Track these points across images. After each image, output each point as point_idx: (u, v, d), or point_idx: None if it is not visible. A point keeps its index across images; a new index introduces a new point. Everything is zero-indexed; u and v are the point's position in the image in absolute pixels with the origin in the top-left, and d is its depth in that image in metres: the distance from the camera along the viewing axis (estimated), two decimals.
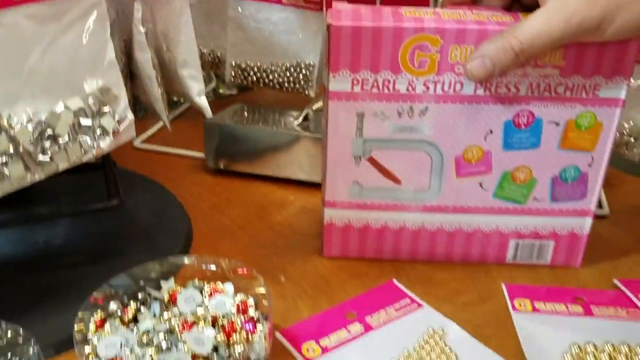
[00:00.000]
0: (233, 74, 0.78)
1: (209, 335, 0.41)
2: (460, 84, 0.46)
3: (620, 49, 0.45)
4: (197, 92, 0.50)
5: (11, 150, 0.37)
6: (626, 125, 0.64)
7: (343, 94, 0.47)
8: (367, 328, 0.48)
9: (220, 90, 0.99)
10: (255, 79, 0.77)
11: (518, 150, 0.49)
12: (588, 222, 0.52)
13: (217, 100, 0.91)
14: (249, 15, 0.74)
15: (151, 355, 0.39)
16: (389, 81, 0.46)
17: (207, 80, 0.91)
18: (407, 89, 0.46)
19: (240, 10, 0.74)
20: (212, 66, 0.81)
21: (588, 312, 0.49)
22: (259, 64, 0.76)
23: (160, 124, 0.80)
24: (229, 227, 0.61)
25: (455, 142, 0.49)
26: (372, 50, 0.45)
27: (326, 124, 0.48)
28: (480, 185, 0.50)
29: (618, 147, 0.65)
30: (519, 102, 0.47)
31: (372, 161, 0.49)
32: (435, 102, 0.47)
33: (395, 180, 0.50)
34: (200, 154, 0.72)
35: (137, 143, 0.75)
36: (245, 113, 0.72)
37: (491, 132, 0.48)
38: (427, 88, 0.46)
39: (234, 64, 0.77)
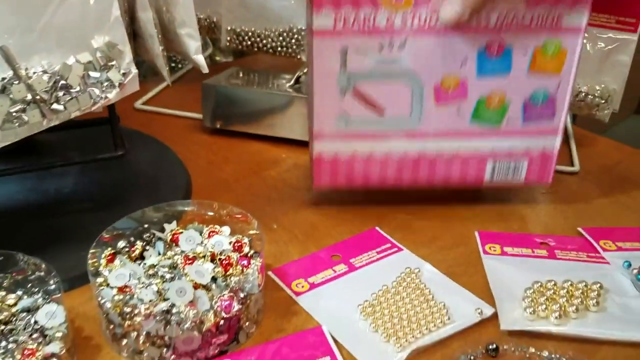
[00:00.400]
0: (228, 39, 0.81)
1: (208, 268, 0.45)
2: (435, 17, 0.50)
3: None
4: (195, 49, 0.53)
5: (29, 98, 0.41)
6: (597, 88, 0.68)
7: (327, 31, 0.51)
8: (351, 268, 0.52)
9: (217, 57, 1.02)
10: (249, 43, 0.81)
11: (491, 77, 0.53)
12: (557, 140, 0.57)
13: (213, 66, 0.95)
14: None
15: (157, 284, 0.43)
16: (369, 17, 0.50)
17: (204, 47, 0.94)
18: (387, 23, 0.50)
19: None
20: (208, 31, 0.84)
21: (552, 255, 0.54)
22: (253, 29, 0.80)
23: (159, 87, 0.84)
24: (226, 181, 0.66)
25: (433, 72, 0.53)
26: None
27: (312, 60, 0.52)
28: (458, 111, 0.54)
29: (589, 108, 0.69)
30: (490, 32, 0.51)
31: (357, 93, 0.53)
32: (412, 35, 0.51)
33: (379, 110, 0.54)
34: (197, 115, 0.76)
35: (138, 104, 0.79)
36: (241, 75, 0.76)
37: (466, 61, 0.52)
38: (405, 23, 0.50)
39: (229, 29, 0.81)
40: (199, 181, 0.65)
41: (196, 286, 0.43)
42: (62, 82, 0.42)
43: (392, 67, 0.52)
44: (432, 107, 0.54)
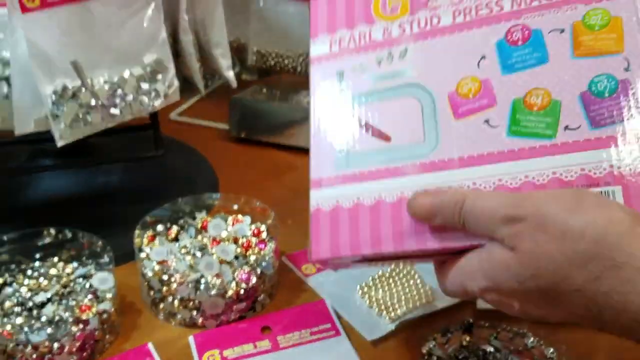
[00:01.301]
0: (255, 59, 0.91)
1: (231, 248, 0.54)
2: (437, 17, 0.43)
3: None
4: (227, 66, 0.63)
5: (92, 103, 0.51)
6: None
7: (323, 57, 0.46)
8: None
9: (243, 76, 1.12)
10: (273, 63, 0.91)
11: (522, 71, 0.40)
12: None
13: (240, 84, 1.05)
14: (269, 7, 0.88)
15: (189, 259, 0.53)
16: (364, 33, 0.45)
17: (232, 66, 1.04)
18: (384, 35, 0.44)
19: (262, 4, 0.88)
20: (236, 52, 0.94)
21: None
22: (277, 51, 0.90)
23: (192, 101, 0.94)
24: (248, 182, 0.75)
25: (444, 77, 0.42)
26: (347, 9, 0.46)
27: (310, 91, 0.47)
28: (488, 122, 0.40)
29: None
30: (507, 19, 0.41)
31: (357, 120, 0.44)
32: (413, 41, 0.43)
33: (384, 137, 0.43)
34: (225, 126, 0.86)
35: (173, 116, 0.89)
36: (264, 92, 0.86)
37: (484, 57, 0.41)
38: (403, 30, 0.44)
39: (255, 50, 0.91)
40: (225, 182, 0.74)
41: (221, 262, 0.52)
42: (120, 91, 0.52)
43: (394, 81, 0.43)
44: (451, 122, 0.41)
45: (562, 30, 0.40)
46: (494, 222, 0.35)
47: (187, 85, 0.79)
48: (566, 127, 0.39)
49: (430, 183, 0.40)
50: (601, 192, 0.37)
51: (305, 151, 0.80)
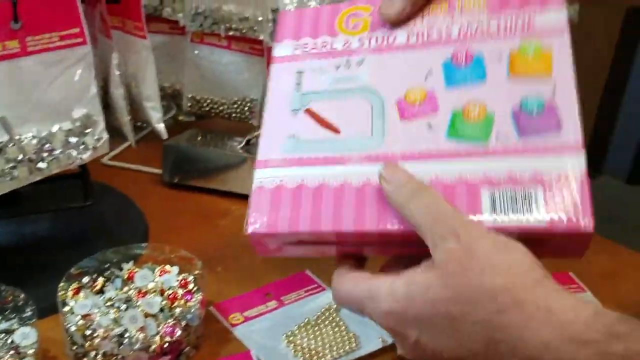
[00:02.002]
0: (190, 105, 0.93)
1: (157, 300, 0.55)
2: (393, 37, 0.48)
3: None
4: (157, 119, 0.65)
5: (20, 158, 0.51)
6: None
7: (285, 57, 0.50)
8: (281, 304, 0.62)
9: (180, 117, 1.13)
10: (207, 109, 0.93)
11: (464, 86, 0.45)
12: (577, 160, 0.40)
13: (176, 126, 1.06)
14: (204, 56, 0.90)
15: (114, 313, 0.53)
16: (326, 42, 0.50)
17: (168, 109, 1.05)
18: (344, 46, 0.49)
19: (196, 52, 0.90)
20: (171, 98, 0.96)
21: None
22: (211, 97, 0.92)
23: (125, 145, 0.95)
24: (180, 229, 0.76)
25: (395, 86, 0.47)
26: (312, 23, 0.51)
27: (268, 85, 0.50)
28: (429, 126, 0.45)
29: None
30: (453, 44, 0.47)
31: (310, 112, 0.47)
32: (370, 53, 0.48)
33: (334, 129, 0.46)
34: (158, 170, 0.87)
35: (106, 160, 0.89)
36: (199, 137, 0.87)
37: (431, 73, 0.46)
38: (362, 43, 0.49)
39: (190, 97, 0.92)
40: (156, 229, 0.75)
41: (146, 315, 0.53)
42: (48, 145, 0.53)
43: (349, 84, 0.48)
44: (397, 123, 0.45)
45: (500, 57, 0.45)
46: (443, 230, 0.37)
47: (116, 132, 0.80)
48: (497, 135, 0.43)
49: (372, 172, 0.43)
50: (525, 191, 0.41)
51: (239, 197, 0.83)
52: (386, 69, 0.48)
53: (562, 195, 0.40)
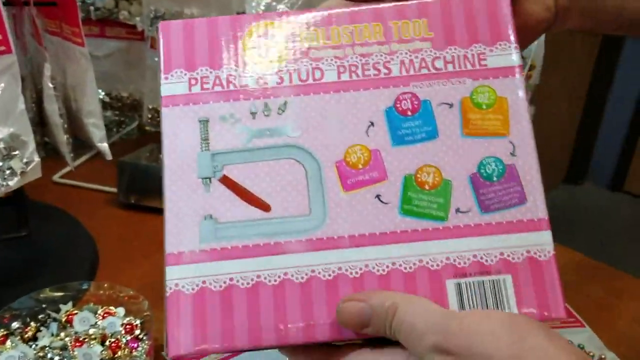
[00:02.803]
0: (150, 117, 0.85)
1: (96, 351, 0.47)
2: (319, 70, 0.39)
3: (491, 13, 0.40)
4: (99, 138, 0.57)
5: None
6: None
7: (180, 97, 0.38)
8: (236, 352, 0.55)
9: (147, 128, 1.05)
10: None
11: (413, 145, 0.39)
12: (545, 237, 0.37)
13: (141, 138, 0.98)
14: None
15: None
16: (233, 76, 0.39)
17: (130, 120, 0.97)
18: (258, 83, 0.39)
19: (156, 59, 0.82)
20: (130, 109, 0.88)
21: None
22: None
23: (77, 162, 0.86)
24: (133, 256, 0.68)
25: (331, 142, 0.39)
26: (210, 44, 0.39)
27: (162, 141, 0.38)
28: (379, 198, 0.38)
29: None
30: (395, 85, 0.39)
31: (227, 181, 0.38)
32: (294, 94, 0.39)
33: (262, 205, 0.38)
34: (113, 189, 0.79)
35: (56, 178, 0.81)
36: (159, 153, 0.80)
37: (372, 124, 0.39)
38: (282, 79, 0.39)
39: (150, 107, 0.84)
40: (107, 256, 0.67)
41: None
42: None
43: (273, 139, 0.38)
44: (340, 194, 0.38)
45: (451, 105, 0.39)
46: (424, 347, 0.32)
47: (76, 142, 0.72)
48: (457, 210, 0.38)
49: (318, 263, 0.36)
50: (493, 280, 0.37)
51: None
52: (317, 117, 0.39)
53: (531, 284, 0.36)
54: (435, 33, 0.40)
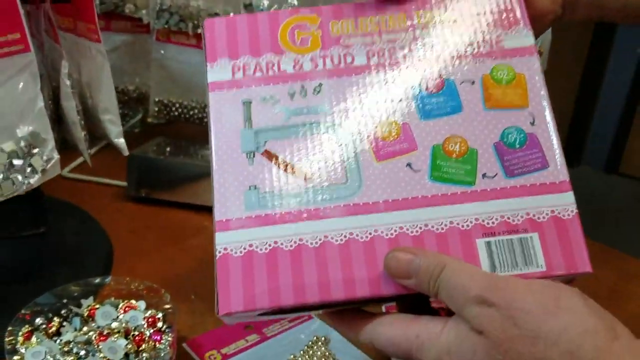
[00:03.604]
0: (157, 110, 0.85)
1: (121, 344, 0.48)
2: (351, 56, 0.43)
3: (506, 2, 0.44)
4: (116, 134, 0.57)
5: None
6: None
7: (225, 83, 0.42)
8: (263, 337, 0.56)
9: (149, 120, 1.06)
10: (177, 114, 0.85)
11: (440, 118, 0.42)
12: (568, 198, 0.40)
13: (144, 131, 0.98)
14: (171, 57, 0.82)
15: None
16: (272, 63, 0.42)
17: (135, 113, 0.97)
18: (295, 68, 0.42)
19: (163, 52, 0.82)
20: (137, 102, 0.88)
21: None
22: (180, 101, 0.84)
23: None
24: (147, 250, 0.68)
25: (363, 118, 0.42)
26: (250, 36, 0.43)
27: (210, 121, 0.42)
28: (410, 166, 0.41)
29: None
30: (420, 65, 0.43)
31: (269, 155, 0.41)
32: (328, 77, 0.42)
33: (302, 175, 0.40)
34: (123, 183, 0.79)
35: (65, 172, 0.82)
36: (167, 146, 0.80)
37: (401, 101, 0.42)
38: (316, 64, 0.42)
39: (157, 100, 0.85)
40: (121, 251, 0.67)
41: None
42: None
43: (309, 117, 0.41)
44: (373, 164, 0.41)
45: (473, 82, 0.42)
46: (467, 299, 0.34)
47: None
48: (484, 175, 0.40)
49: (355, 227, 0.39)
50: (521, 239, 0.39)
51: (211, 211, 0.76)
52: (350, 97, 0.42)
53: (557, 241, 0.39)
54: (458, 19, 0.43)
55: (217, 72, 0.42)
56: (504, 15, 0.43)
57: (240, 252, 0.38)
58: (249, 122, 0.41)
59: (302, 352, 0.54)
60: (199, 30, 0.79)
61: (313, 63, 0.42)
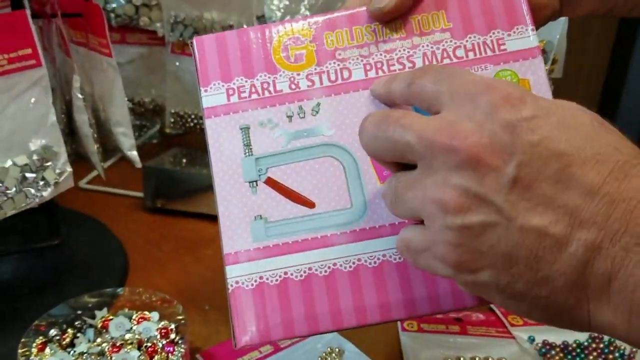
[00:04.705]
0: (173, 121, 0.86)
1: (134, 356, 0.48)
2: (347, 70, 0.41)
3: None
4: (128, 147, 0.58)
5: None
6: None
7: (220, 108, 0.41)
8: (277, 349, 0.56)
9: (167, 130, 1.07)
10: (192, 124, 0.86)
11: None
12: None
13: (162, 141, 0.99)
14: (186, 68, 0.83)
15: None
16: (267, 83, 0.41)
17: (151, 124, 0.98)
18: (291, 87, 0.41)
19: (178, 64, 0.83)
20: (154, 113, 0.89)
21: (463, 331, 0.58)
22: (196, 112, 0.85)
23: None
24: (162, 260, 0.69)
25: None
26: (242, 56, 0.41)
27: (209, 149, 0.41)
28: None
29: None
30: None
31: (272, 183, 0.40)
32: (326, 95, 0.41)
33: (307, 202, 0.40)
34: (139, 194, 0.80)
35: (82, 184, 0.82)
36: (183, 157, 0.81)
37: None
38: (312, 82, 0.41)
39: (173, 112, 0.85)
40: (136, 261, 0.68)
41: None
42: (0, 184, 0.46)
43: (310, 139, 0.41)
44: (377, 187, 0.40)
45: None
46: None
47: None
48: None
49: (364, 252, 0.39)
50: None
51: None
52: (349, 115, 0.41)
53: None
54: (453, 23, 0.41)
55: (212, 96, 0.41)
56: (504, 14, 0.42)
57: (252, 284, 0.39)
58: (248, 149, 0.41)
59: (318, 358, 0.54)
60: None
61: (309, 81, 0.41)
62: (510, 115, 0.29)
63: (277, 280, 0.39)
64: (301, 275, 0.39)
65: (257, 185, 0.40)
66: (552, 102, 0.31)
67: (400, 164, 0.34)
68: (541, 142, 0.29)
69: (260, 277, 0.39)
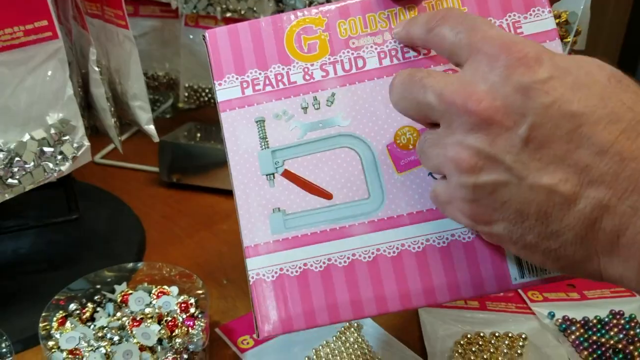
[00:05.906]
0: (187, 95, 0.85)
1: (154, 330, 0.48)
2: (362, 59, 0.40)
3: None
4: (146, 120, 0.57)
5: None
6: None
7: (235, 101, 0.40)
8: None
9: (180, 105, 1.06)
10: (207, 99, 0.85)
11: None
12: None
13: (176, 116, 0.98)
14: (199, 41, 0.82)
15: (105, 347, 0.46)
16: (281, 75, 0.40)
17: (165, 99, 0.98)
18: (305, 78, 0.41)
19: (191, 37, 0.82)
20: (167, 88, 0.88)
21: (483, 307, 0.58)
22: (210, 86, 0.84)
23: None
24: (179, 235, 0.69)
25: (380, 127, 0.40)
26: (255, 47, 0.41)
27: (225, 143, 0.40)
28: (432, 175, 0.40)
29: None
30: (436, 63, 0.40)
31: (289, 175, 0.40)
32: (340, 85, 0.40)
33: (324, 194, 0.40)
34: (155, 169, 0.80)
35: (97, 158, 0.82)
36: (197, 131, 0.80)
37: None
38: (326, 72, 0.40)
39: (187, 86, 0.84)
40: (153, 236, 0.68)
41: (142, 348, 0.46)
42: (17, 159, 0.45)
43: (325, 130, 0.40)
44: (395, 177, 0.40)
45: None
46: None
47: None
48: None
49: (382, 242, 0.39)
50: None
51: None
52: (364, 104, 0.40)
53: None
54: (469, 7, 0.40)
55: (226, 90, 0.40)
56: None
57: (272, 276, 0.39)
58: (264, 142, 0.40)
59: (334, 337, 0.53)
60: (228, 14, 0.78)
61: (323, 71, 0.41)
62: (525, 77, 0.30)
63: (297, 272, 0.39)
64: (321, 267, 0.39)
65: (274, 178, 0.40)
66: (570, 59, 0.31)
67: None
68: (554, 103, 0.29)
69: (281, 269, 0.39)
